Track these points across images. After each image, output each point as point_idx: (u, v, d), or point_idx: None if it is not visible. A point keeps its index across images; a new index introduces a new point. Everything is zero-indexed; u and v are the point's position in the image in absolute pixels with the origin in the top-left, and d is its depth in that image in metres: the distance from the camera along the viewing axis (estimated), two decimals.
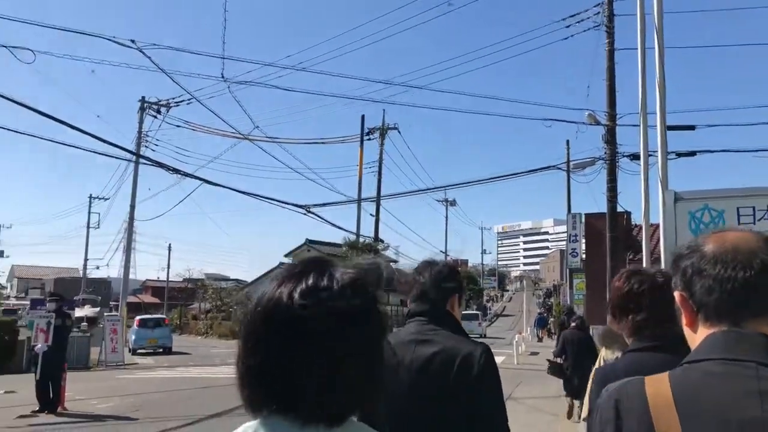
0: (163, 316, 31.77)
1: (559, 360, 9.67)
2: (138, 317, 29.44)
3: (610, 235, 19.76)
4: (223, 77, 19.41)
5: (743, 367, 1.01)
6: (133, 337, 27.61)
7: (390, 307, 43.49)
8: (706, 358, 1.06)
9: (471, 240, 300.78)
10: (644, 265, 6.24)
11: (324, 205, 26.50)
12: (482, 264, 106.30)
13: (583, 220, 24.91)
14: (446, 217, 66.51)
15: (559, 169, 22.62)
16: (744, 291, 1.07)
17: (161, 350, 27.85)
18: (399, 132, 40.47)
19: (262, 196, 24.88)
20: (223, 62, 20.60)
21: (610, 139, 20.28)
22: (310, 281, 0.98)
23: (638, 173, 20.55)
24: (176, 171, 19.97)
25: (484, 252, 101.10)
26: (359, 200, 35.29)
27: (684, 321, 1.17)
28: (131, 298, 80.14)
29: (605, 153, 20.50)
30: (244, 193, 23.78)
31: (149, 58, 15.99)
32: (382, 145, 39.78)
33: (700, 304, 1.11)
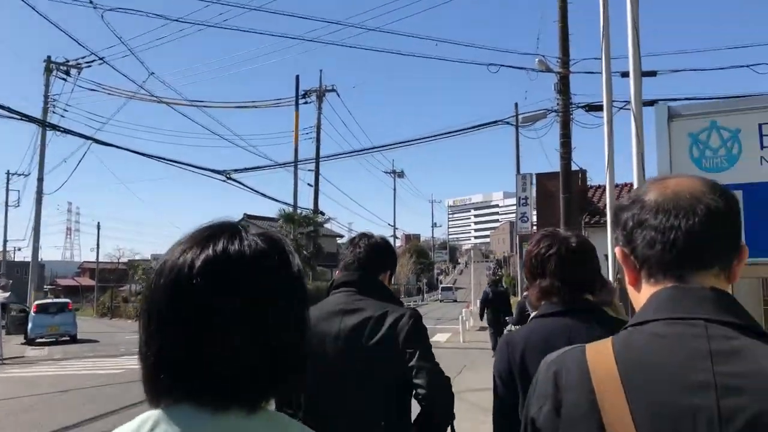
0: (67, 300, 28.09)
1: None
2: (36, 302, 25.75)
3: (563, 196, 17.40)
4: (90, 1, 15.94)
5: (691, 325, 0.93)
6: (30, 325, 24.13)
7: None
8: (651, 319, 0.96)
9: (423, 214, 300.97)
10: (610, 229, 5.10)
11: (248, 170, 23.31)
12: (433, 237, 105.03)
13: (534, 181, 22.50)
14: (394, 189, 64.15)
15: (508, 123, 20.19)
16: (688, 241, 0.97)
17: (66, 338, 24.58)
18: (338, 94, 37.64)
19: (171, 160, 21.72)
20: None
21: (563, 88, 18.08)
22: (219, 247, 0.83)
23: (595, 126, 17.92)
24: (54, 127, 16.63)
25: (434, 225, 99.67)
26: (296, 163, 32.18)
27: (627, 280, 1.07)
28: (68, 281, 76.27)
29: (557, 104, 18.26)
30: (148, 156, 20.52)
31: None
32: (320, 108, 36.92)
33: (643, 259, 1.02)
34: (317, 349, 2.00)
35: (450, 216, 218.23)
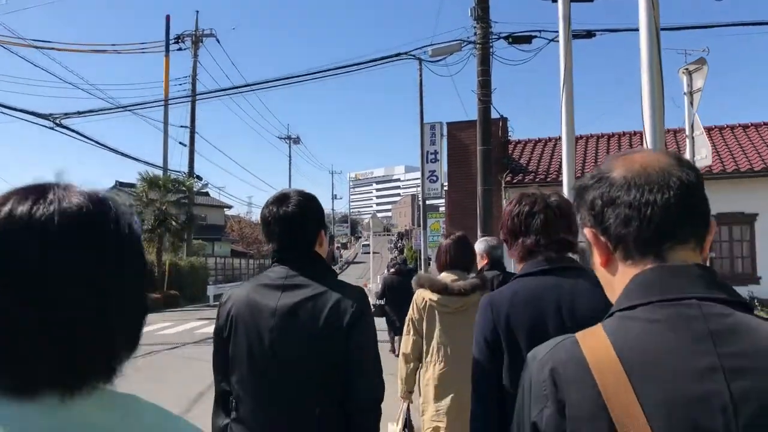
0: None
1: (381, 302, 10.38)
2: None
3: (481, 148, 13.72)
4: None
5: (686, 306, 0.89)
6: None
7: (215, 258, 38.06)
8: (640, 303, 0.91)
9: (323, 186, 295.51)
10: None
11: (82, 113, 18.01)
12: (333, 210, 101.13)
13: (445, 131, 18.78)
14: (289, 157, 59.58)
15: (413, 56, 16.34)
16: (666, 216, 0.94)
17: None
18: (218, 40, 32.35)
19: None
20: None
21: (482, 13, 14.38)
22: (7, 207, 0.71)
23: (520, 62, 13.98)
24: None
25: (335, 197, 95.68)
26: (166, 102, 26.92)
27: (598, 261, 1.03)
28: None
29: (475, 33, 14.56)
30: None
31: None
32: (196, 54, 31.68)
33: (618, 239, 0.98)
34: (248, 325, 1.93)
35: (352, 189, 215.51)
